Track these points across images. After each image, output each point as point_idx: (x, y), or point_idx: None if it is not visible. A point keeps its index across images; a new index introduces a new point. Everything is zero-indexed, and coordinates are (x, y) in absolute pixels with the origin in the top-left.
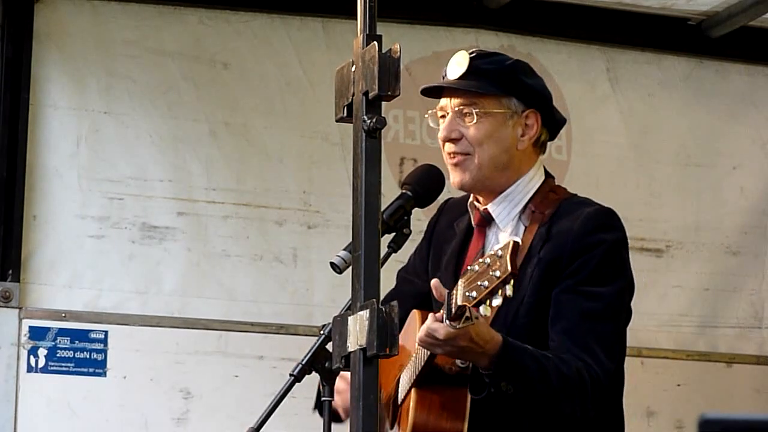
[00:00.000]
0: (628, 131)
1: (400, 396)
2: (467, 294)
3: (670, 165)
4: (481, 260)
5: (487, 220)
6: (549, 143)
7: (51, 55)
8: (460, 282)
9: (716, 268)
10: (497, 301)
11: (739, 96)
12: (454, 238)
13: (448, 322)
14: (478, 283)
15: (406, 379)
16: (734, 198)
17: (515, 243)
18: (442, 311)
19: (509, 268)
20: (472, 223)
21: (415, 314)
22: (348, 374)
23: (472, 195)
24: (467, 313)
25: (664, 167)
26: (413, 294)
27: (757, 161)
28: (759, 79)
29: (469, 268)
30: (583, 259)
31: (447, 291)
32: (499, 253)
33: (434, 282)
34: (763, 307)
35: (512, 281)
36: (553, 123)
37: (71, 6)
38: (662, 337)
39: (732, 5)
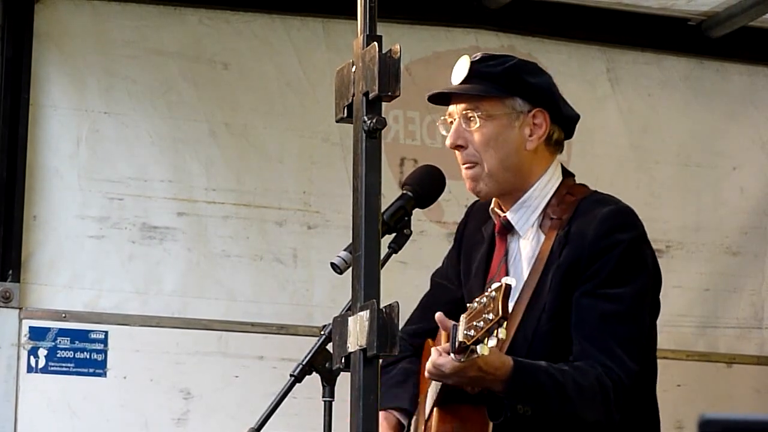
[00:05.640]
0: (628, 131)
1: (426, 411)
2: (466, 332)
3: (670, 165)
4: (478, 299)
5: (507, 228)
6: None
7: (51, 55)
8: (463, 317)
9: (716, 269)
10: (492, 342)
11: (740, 96)
12: (482, 243)
13: (453, 355)
14: (475, 322)
15: (430, 396)
16: (734, 198)
17: (507, 286)
18: (446, 343)
19: (500, 312)
20: (495, 230)
21: (428, 343)
22: None
23: (493, 200)
24: (472, 346)
25: (664, 167)
26: (447, 299)
27: (757, 161)
28: (759, 80)
29: (468, 305)
30: (600, 261)
31: (452, 324)
32: (492, 294)
33: (438, 316)
34: (764, 308)
35: (505, 324)
36: (564, 120)
37: (71, 6)
38: (662, 337)
39: (732, 6)
